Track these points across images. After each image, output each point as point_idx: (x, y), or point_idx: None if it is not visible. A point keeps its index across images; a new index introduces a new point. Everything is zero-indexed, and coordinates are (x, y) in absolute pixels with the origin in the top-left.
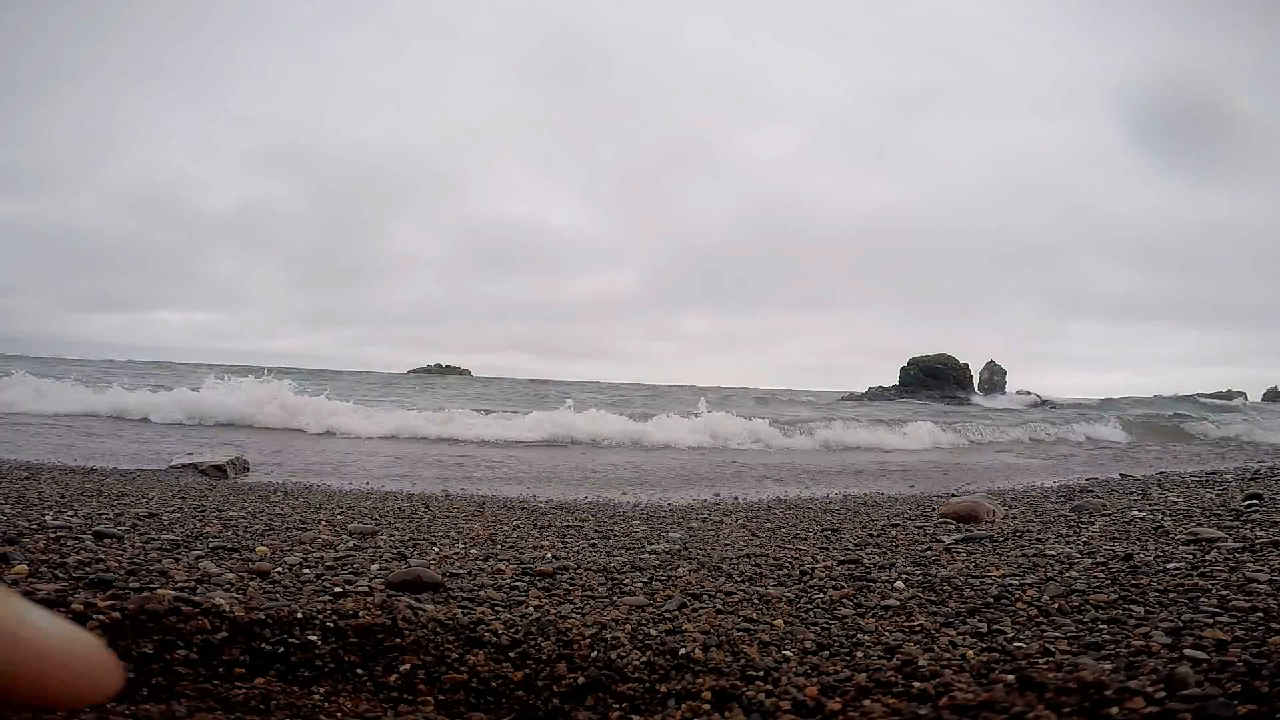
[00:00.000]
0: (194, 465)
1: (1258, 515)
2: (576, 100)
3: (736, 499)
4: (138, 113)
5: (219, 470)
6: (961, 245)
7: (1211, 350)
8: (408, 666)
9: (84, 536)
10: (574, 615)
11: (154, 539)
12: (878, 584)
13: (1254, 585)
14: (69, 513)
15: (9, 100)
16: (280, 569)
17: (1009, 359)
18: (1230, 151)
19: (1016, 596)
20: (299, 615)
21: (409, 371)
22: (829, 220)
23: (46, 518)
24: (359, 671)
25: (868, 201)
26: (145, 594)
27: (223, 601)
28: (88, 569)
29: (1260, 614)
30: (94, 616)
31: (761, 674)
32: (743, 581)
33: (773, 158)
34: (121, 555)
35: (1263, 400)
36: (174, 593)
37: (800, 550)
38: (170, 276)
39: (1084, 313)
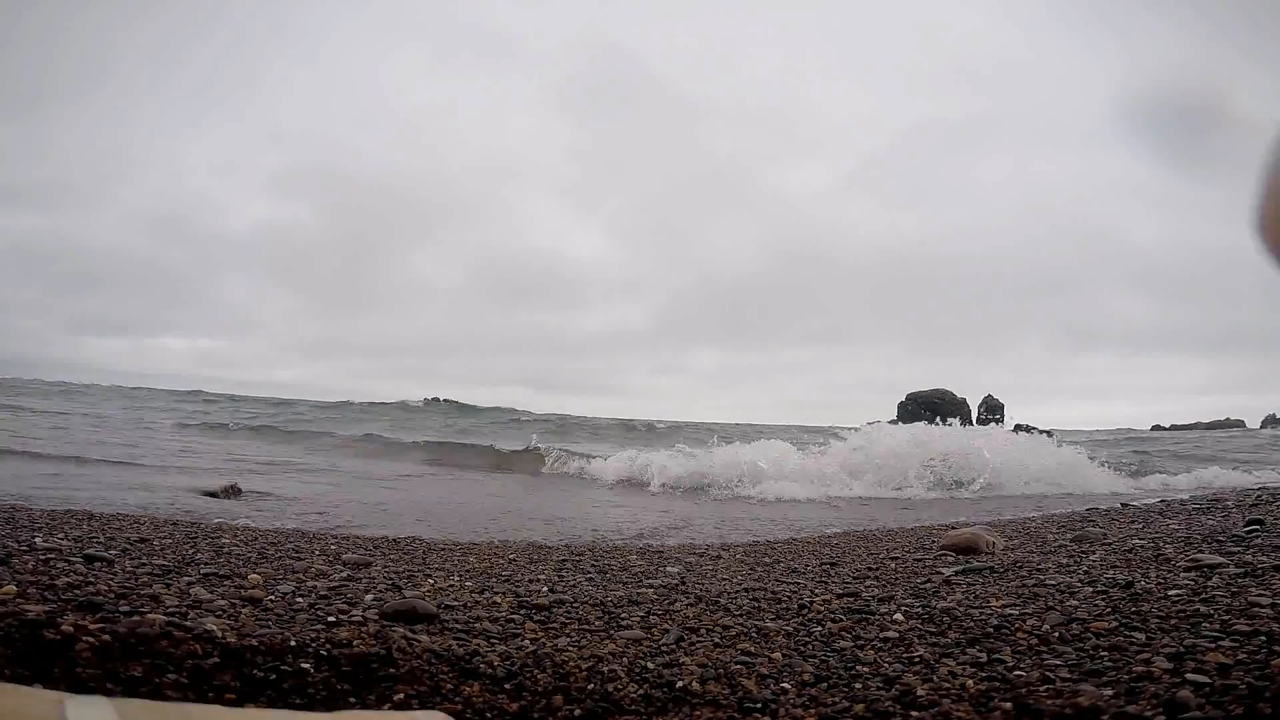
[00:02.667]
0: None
1: (1259, 540)
2: (619, 125)
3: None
4: (166, 125)
5: (212, 497)
6: (983, 278)
7: (1213, 379)
8: (401, 696)
9: (74, 559)
10: (570, 648)
11: (145, 564)
12: (877, 616)
13: (1256, 609)
14: (59, 535)
15: (35, 112)
16: (273, 597)
17: (1018, 392)
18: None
19: (1017, 626)
20: (292, 643)
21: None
22: (856, 255)
23: (36, 540)
24: (352, 700)
25: (898, 235)
26: (136, 618)
27: (214, 627)
28: (77, 591)
29: (1263, 637)
30: (84, 639)
31: (759, 706)
32: (740, 615)
33: (808, 191)
34: (112, 579)
35: (1261, 427)
36: (165, 617)
37: (799, 584)
38: (180, 300)
39: (1095, 344)
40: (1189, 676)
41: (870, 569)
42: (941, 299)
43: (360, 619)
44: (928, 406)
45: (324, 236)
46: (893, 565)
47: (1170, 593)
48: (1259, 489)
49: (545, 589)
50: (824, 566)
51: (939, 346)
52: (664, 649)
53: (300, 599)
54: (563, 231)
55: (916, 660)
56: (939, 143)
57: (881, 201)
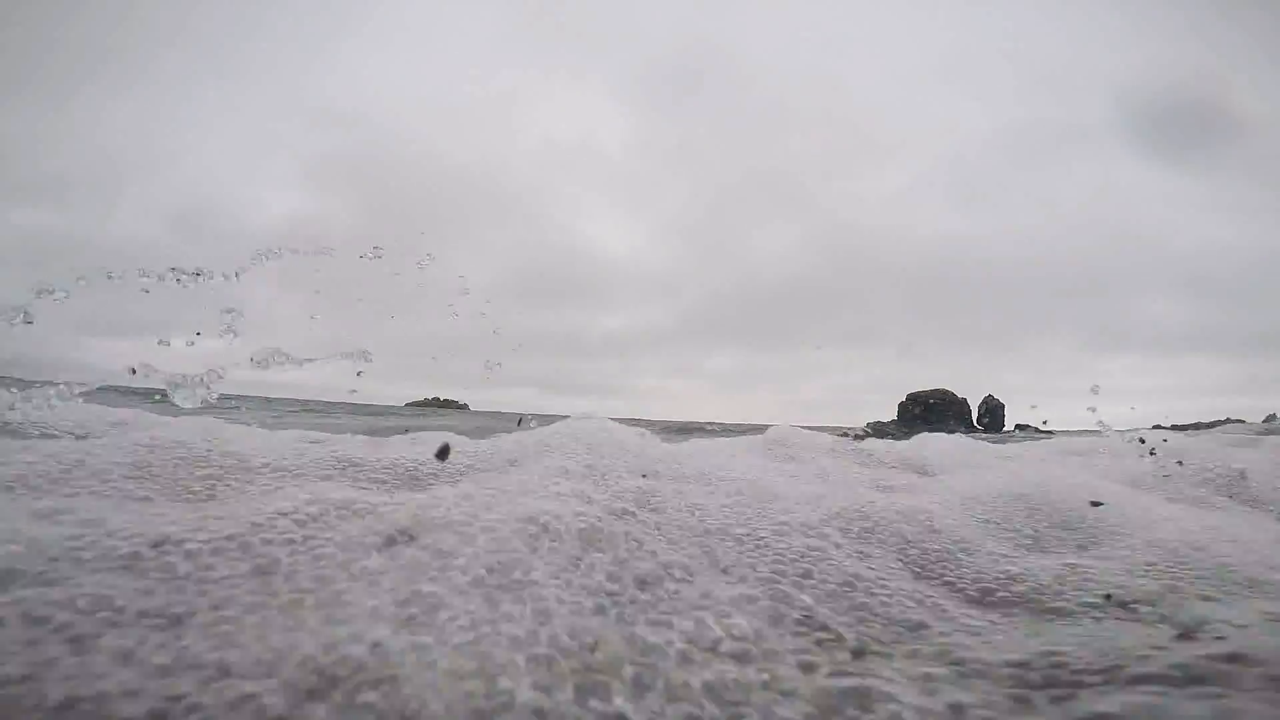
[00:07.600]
0: None
1: None
2: (695, 119)
3: None
4: (201, 114)
5: None
6: (1024, 281)
7: (1232, 379)
8: None
9: None
10: None
11: None
12: None
13: None
14: None
15: (62, 102)
16: None
17: (1037, 392)
18: None
19: None
20: None
21: (406, 405)
22: (902, 259)
23: None
24: None
25: (947, 240)
26: None
27: None
28: None
29: None
30: None
31: None
32: None
33: (872, 195)
34: None
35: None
36: None
37: None
38: (190, 300)
39: (1124, 346)
40: None
41: None
42: (978, 302)
43: None
44: (927, 407)
45: (360, 229)
46: None
47: None
48: None
49: None
50: None
51: (964, 347)
52: None
53: None
54: (607, 228)
55: None
56: (1011, 149)
57: (940, 207)
